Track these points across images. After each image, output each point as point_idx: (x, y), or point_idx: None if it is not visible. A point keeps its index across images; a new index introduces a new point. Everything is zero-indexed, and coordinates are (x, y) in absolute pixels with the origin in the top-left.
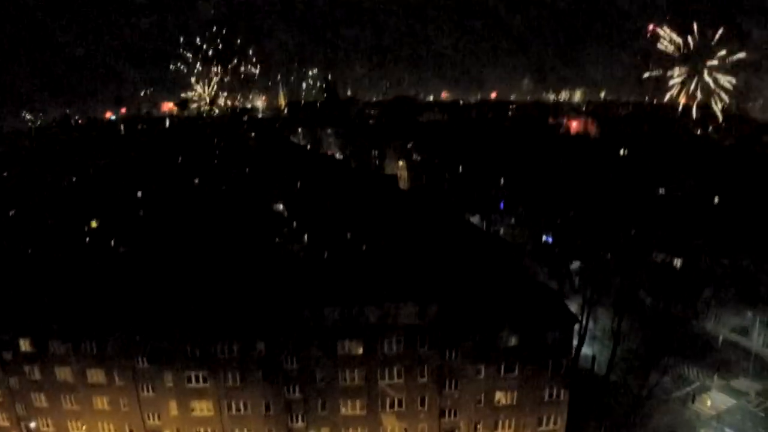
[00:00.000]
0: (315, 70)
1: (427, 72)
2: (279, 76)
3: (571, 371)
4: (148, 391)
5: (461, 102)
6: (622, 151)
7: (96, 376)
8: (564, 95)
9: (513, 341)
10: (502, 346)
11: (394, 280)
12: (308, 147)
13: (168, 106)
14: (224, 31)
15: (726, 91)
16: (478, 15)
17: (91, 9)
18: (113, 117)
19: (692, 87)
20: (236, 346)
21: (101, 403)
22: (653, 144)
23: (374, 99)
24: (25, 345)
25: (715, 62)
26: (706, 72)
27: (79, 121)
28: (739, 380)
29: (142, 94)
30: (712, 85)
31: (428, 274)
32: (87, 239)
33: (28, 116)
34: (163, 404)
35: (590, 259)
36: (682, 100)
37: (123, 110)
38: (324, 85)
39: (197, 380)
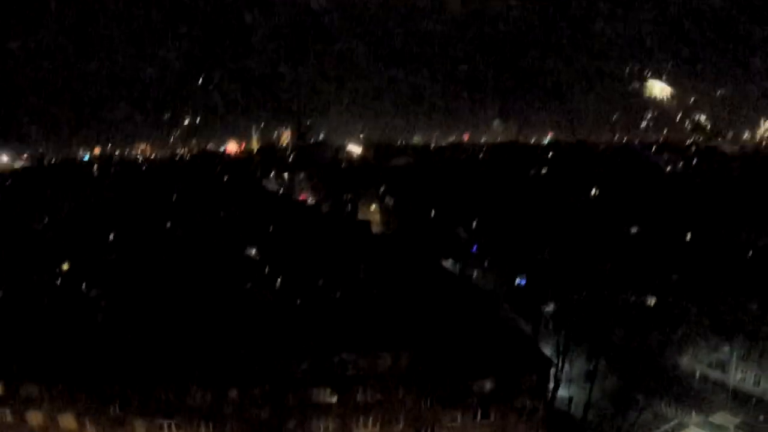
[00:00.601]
0: (287, 114)
1: (399, 115)
2: (251, 120)
3: (547, 414)
4: None
5: (433, 145)
6: (593, 191)
7: (67, 421)
8: (536, 137)
9: (488, 387)
10: (477, 392)
11: (368, 327)
12: (280, 191)
13: (141, 148)
14: (201, 78)
15: (700, 128)
16: (449, 57)
17: (64, 45)
18: (86, 157)
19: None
20: (209, 395)
21: None
22: (625, 183)
23: (346, 142)
24: None
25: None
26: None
27: (53, 161)
28: (717, 415)
29: (108, 143)
30: (687, 124)
31: (402, 321)
32: (58, 282)
33: (4, 158)
34: None
35: (564, 301)
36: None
37: (96, 150)
38: (296, 129)
39: (169, 428)
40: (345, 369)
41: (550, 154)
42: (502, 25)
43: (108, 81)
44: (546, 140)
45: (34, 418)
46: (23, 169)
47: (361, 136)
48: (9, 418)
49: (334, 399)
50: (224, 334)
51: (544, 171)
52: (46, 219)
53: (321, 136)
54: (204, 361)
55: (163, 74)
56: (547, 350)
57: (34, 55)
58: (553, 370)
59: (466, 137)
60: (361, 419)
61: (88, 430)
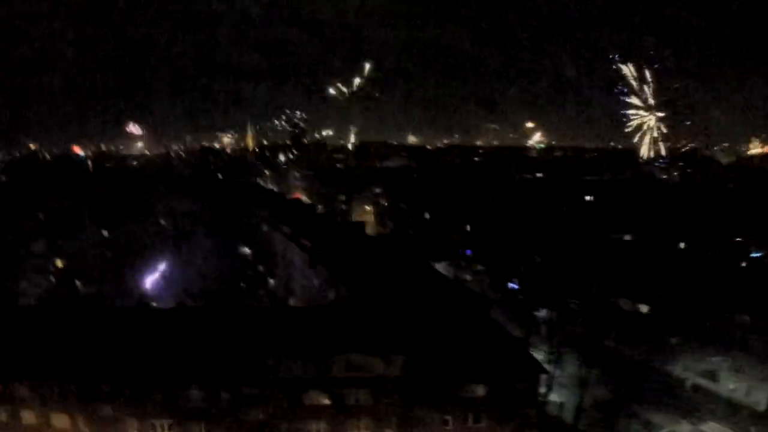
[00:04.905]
0: (285, 112)
1: (395, 115)
2: (248, 117)
3: (538, 420)
4: None
5: (428, 147)
6: (587, 197)
7: (60, 420)
8: (533, 140)
9: (480, 392)
10: (468, 397)
11: (360, 329)
12: (275, 190)
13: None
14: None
15: (688, 136)
16: (444, 59)
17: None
18: (81, 153)
19: (655, 132)
20: (201, 395)
21: None
22: (618, 189)
23: (342, 143)
24: None
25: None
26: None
27: (47, 157)
28: (708, 424)
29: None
30: (663, 130)
31: (395, 324)
32: (51, 278)
33: None
34: None
35: (556, 307)
36: (646, 145)
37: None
38: (292, 128)
39: (162, 428)
40: (337, 372)
41: (545, 159)
42: (498, 25)
43: (100, 78)
44: (541, 145)
45: (28, 417)
46: (17, 161)
47: (357, 135)
48: (3, 417)
49: (327, 401)
50: (217, 334)
51: (538, 175)
52: (41, 215)
53: (317, 135)
54: (197, 362)
55: (155, 69)
56: (540, 356)
57: (31, 53)
58: (544, 376)
59: (460, 139)
60: (353, 422)
61: (81, 429)
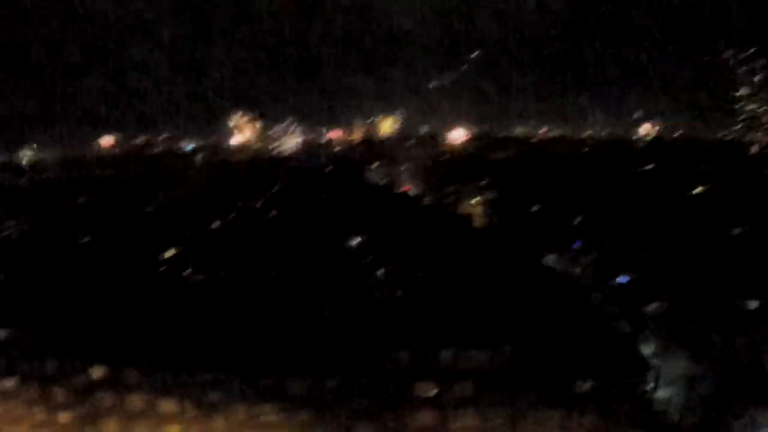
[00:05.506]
0: (391, 105)
1: (500, 106)
2: (354, 111)
3: (645, 417)
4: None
5: (534, 138)
6: (697, 190)
7: (167, 405)
8: (641, 131)
9: (586, 387)
10: (575, 392)
11: (468, 321)
12: (383, 183)
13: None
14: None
15: None
16: (550, 49)
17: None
18: (190, 147)
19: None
20: (308, 383)
21: None
22: (727, 182)
23: (447, 134)
24: (97, 371)
25: None
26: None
27: (154, 150)
28: None
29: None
30: None
31: (502, 317)
32: (162, 268)
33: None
34: None
35: (665, 302)
36: (757, 136)
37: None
38: (399, 120)
39: (268, 415)
40: (444, 364)
41: (653, 150)
42: (604, 14)
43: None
44: (649, 136)
45: (134, 402)
46: (124, 155)
47: (462, 127)
48: (108, 402)
49: (433, 392)
50: (326, 324)
51: (648, 167)
52: (150, 207)
53: (425, 128)
54: (305, 350)
55: (260, 62)
56: (647, 351)
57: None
58: (652, 372)
59: (565, 130)
60: (459, 413)
61: (188, 414)
